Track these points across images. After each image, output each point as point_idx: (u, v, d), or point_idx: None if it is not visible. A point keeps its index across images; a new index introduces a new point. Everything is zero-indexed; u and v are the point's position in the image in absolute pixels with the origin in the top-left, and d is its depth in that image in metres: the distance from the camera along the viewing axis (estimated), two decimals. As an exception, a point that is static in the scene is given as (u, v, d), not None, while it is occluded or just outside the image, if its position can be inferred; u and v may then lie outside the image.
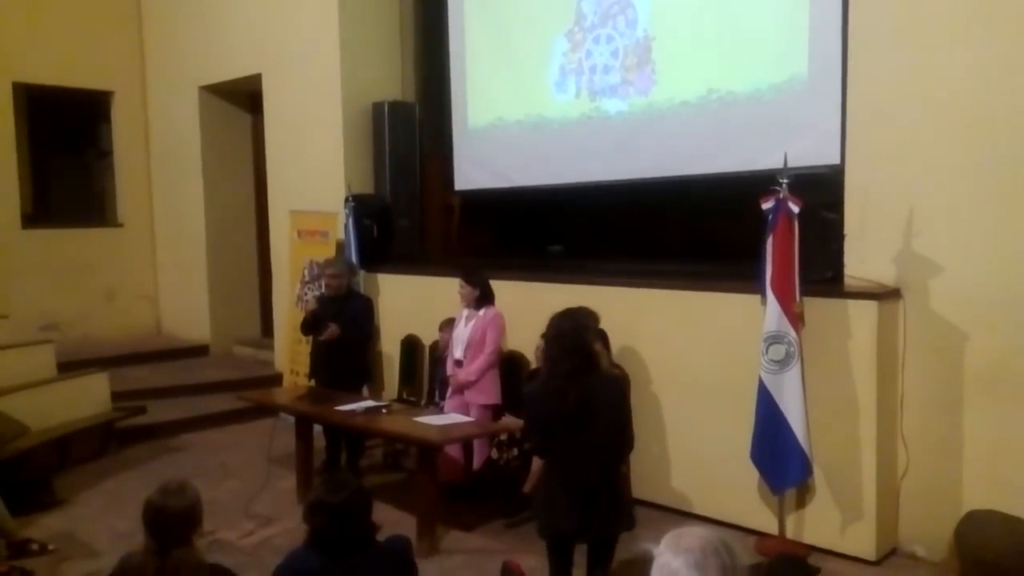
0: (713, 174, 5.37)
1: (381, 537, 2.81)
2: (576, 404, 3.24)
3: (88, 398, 6.38)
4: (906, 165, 4.32)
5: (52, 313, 8.50)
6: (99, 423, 6.33)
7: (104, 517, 5.01)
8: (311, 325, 5.75)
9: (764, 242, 4.26)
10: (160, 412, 6.88)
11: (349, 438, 5.70)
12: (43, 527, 4.91)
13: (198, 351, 8.86)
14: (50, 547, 4.59)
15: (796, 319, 4.20)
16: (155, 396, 7.16)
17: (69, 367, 6.83)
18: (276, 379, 7.55)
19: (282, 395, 6.34)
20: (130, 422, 6.59)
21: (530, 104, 6.53)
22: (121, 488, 5.50)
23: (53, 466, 5.72)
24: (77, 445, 6.09)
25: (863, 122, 4.49)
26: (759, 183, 4.32)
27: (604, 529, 3.40)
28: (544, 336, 3.52)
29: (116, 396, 6.62)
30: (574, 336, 3.35)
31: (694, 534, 1.72)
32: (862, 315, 4.24)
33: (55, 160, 9.59)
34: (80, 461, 6.06)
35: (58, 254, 8.81)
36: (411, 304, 6.68)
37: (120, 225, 9.49)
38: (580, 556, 3.50)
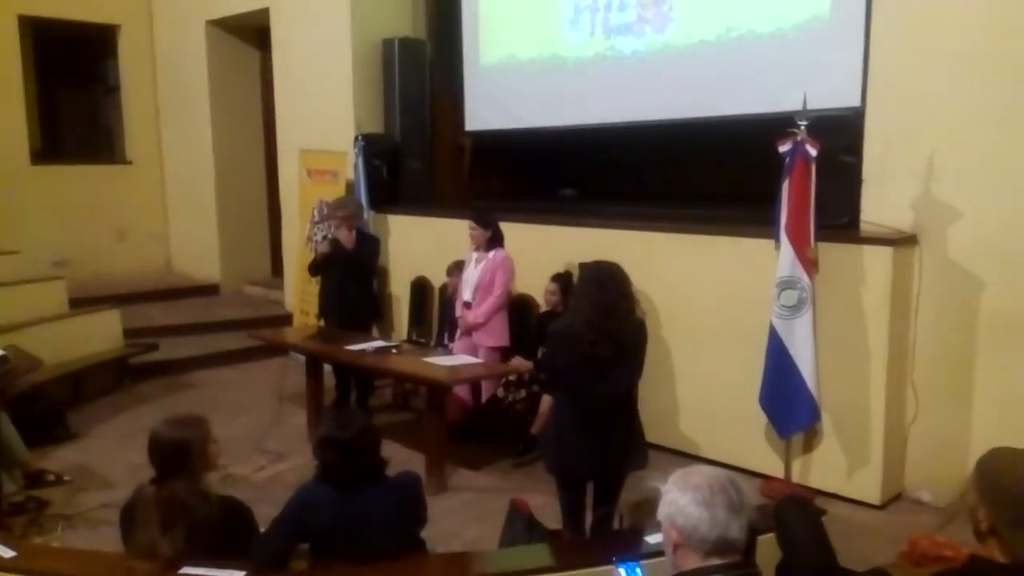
0: (730, 116, 5.26)
1: (391, 473, 2.85)
2: (611, 349, 3.24)
3: (101, 334, 6.44)
4: (928, 109, 4.22)
5: (62, 250, 8.51)
6: (112, 359, 6.41)
7: (118, 450, 5.09)
8: (319, 266, 5.75)
9: (780, 186, 4.20)
10: (172, 349, 6.95)
11: (359, 377, 5.74)
12: (58, 459, 5.00)
13: (208, 290, 8.89)
14: (65, 478, 4.69)
15: (810, 264, 4.16)
16: (167, 334, 7.23)
17: (81, 304, 6.88)
18: (286, 319, 7.59)
19: (292, 334, 6.38)
20: (143, 358, 6.67)
21: (543, 42, 6.39)
22: (135, 422, 5.58)
23: (67, 400, 5.81)
24: (91, 380, 6.17)
25: (885, 64, 4.37)
26: (777, 125, 4.23)
27: (618, 468, 3.43)
28: (577, 280, 3.50)
29: (128, 333, 6.68)
30: (617, 281, 3.35)
31: (701, 472, 1.74)
32: (877, 261, 4.19)
33: (62, 96, 9.49)
34: (94, 396, 6.15)
35: (67, 191, 8.79)
36: (421, 246, 6.66)
37: (129, 162, 9.44)
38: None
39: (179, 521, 2.61)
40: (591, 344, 3.23)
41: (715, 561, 1.64)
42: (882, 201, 4.39)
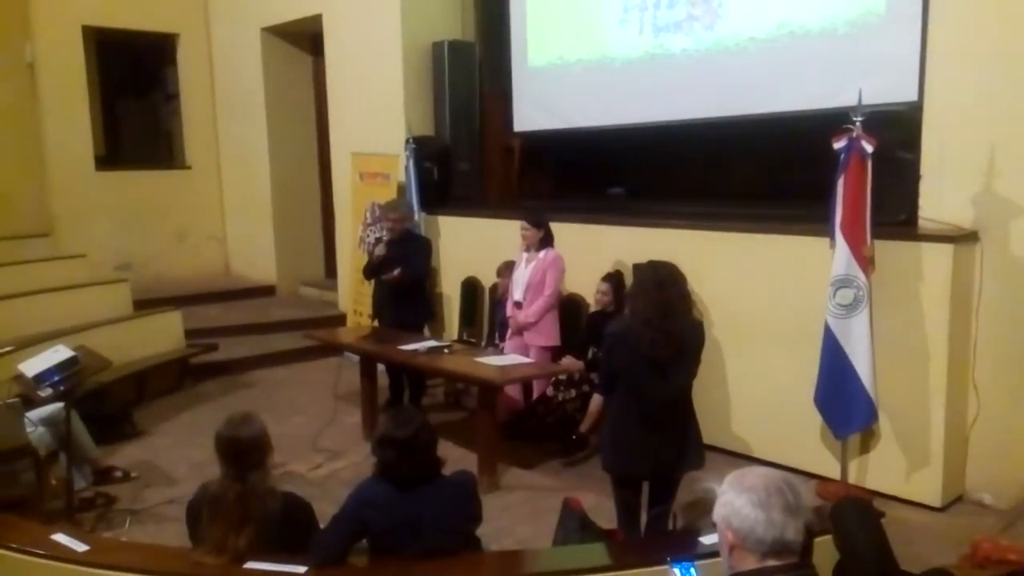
0: (782, 113, 5.20)
1: (446, 472, 2.90)
2: (670, 349, 3.25)
3: (163, 335, 6.64)
4: (987, 102, 4.12)
5: (126, 253, 8.80)
6: (174, 359, 6.61)
7: (181, 447, 5.26)
8: (375, 269, 5.84)
9: (835, 183, 4.14)
10: (231, 349, 7.13)
11: (411, 377, 5.82)
12: (125, 456, 5.18)
13: (265, 291, 9.09)
14: (132, 474, 4.86)
15: (866, 262, 4.09)
16: (226, 334, 7.41)
17: (144, 305, 7.11)
18: (340, 319, 7.72)
19: (347, 334, 6.49)
20: (203, 358, 6.85)
21: (592, 42, 6.39)
22: (197, 421, 5.75)
23: (133, 399, 6.01)
24: (154, 380, 6.37)
25: (944, 58, 4.28)
26: (831, 122, 4.17)
27: (676, 468, 3.43)
28: (634, 281, 3.52)
29: (189, 333, 6.88)
30: (675, 281, 3.36)
31: (757, 473, 1.73)
32: (936, 259, 4.11)
33: (124, 103, 9.83)
34: (157, 395, 6.35)
35: (130, 195, 9.07)
36: (471, 246, 6.72)
37: (188, 167, 9.70)
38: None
39: (251, 518, 2.70)
40: (651, 344, 3.23)
41: (772, 563, 1.64)
42: (941, 197, 4.30)
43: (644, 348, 3.24)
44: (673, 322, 3.27)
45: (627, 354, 3.32)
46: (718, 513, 1.73)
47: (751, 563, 1.65)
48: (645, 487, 3.52)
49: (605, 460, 3.55)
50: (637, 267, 3.65)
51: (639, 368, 3.29)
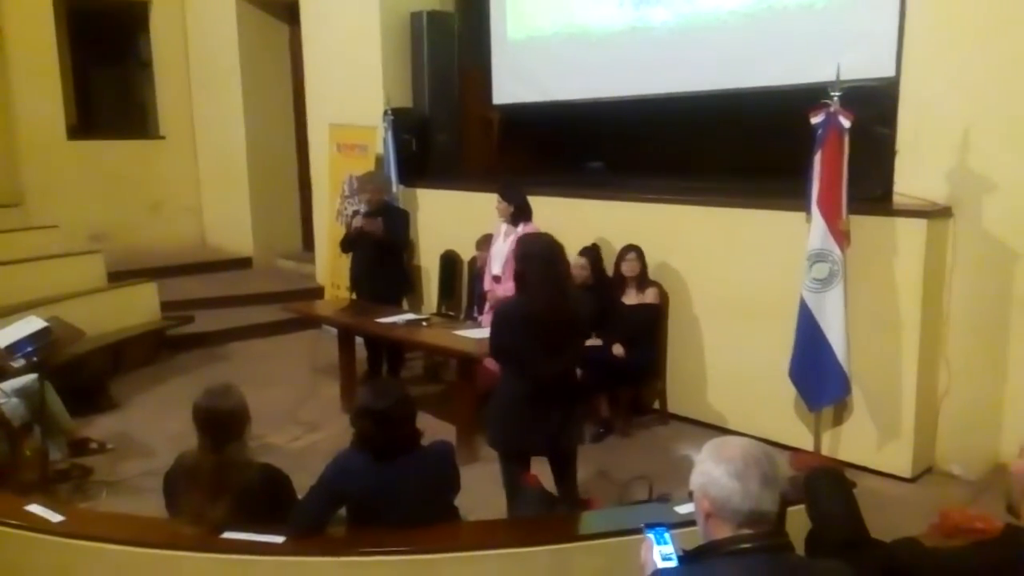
0: (760, 87, 5.20)
1: (426, 443, 2.91)
2: (565, 326, 3.25)
3: (139, 307, 6.58)
4: (964, 79, 4.15)
5: (99, 224, 8.66)
6: (150, 331, 6.55)
7: (158, 419, 5.22)
8: (351, 242, 5.80)
9: (812, 158, 4.16)
10: (208, 322, 7.08)
11: (390, 350, 5.82)
12: (101, 427, 5.15)
13: (242, 263, 9.01)
14: (108, 446, 4.84)
15: (842, 237, 4.13)
16: (202, 306, 7.35)
17: (118, 277, 7.02)
18: (318, 292, 7.69)
19: (325, 307, 6.47)
20: (179, 330, 6.81)
21: (571, 15, 6.34)
22: (173, 393, 5.71)
23: (108, 371, 5.96)
24: (130, 352, 6.32)
25: (921, 34, 4.29)
26: (809, 96, 4.18)
27: (564, 443, 3.46)
28: (520, 258, 3.44)
29: (165, 306, 6.82)
30: (562, 256, 3.36)
31: (735, 444, 1.74)
32: (910, 233, 4.16)
33: (97, 71, 9.61)
34: (133, 367, 6.30)
35: (103, 165, 8.92)
36: (450, 219, 6.70)
37: (162, 137, 9.55)
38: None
39: (228, 488, 2.70)
40: (545, 322, 3.23)
41: (746, 531, 1.67)
42: (916, 173, 4.34)
43: (538, 326, 3.24)
44: (563, 297, 3.27)
45: (517, 332, 3.31)
46: (695, 481, 1.74)
47: (726, 532, 1.68)
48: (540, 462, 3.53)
49: (491, 437, 3.57)
50: (520, 241, 3.60)
51: (529, 346, 3.29)
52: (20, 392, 4.33)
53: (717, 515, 1.69)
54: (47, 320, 4.27)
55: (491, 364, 5.34)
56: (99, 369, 5.78)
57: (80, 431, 4.85)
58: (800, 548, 2.37)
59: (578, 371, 4.12)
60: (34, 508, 2.97)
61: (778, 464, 1.73)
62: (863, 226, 4.25)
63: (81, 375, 5.38)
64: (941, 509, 3.00)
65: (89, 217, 8.58)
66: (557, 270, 3.29)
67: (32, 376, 4.25)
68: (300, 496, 2.87)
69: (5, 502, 3.14)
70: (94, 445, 4.80)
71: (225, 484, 2.71)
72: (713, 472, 1.69)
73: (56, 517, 2.92)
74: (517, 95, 6.87)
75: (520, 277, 3.39)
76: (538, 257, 3.33)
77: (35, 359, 4.05)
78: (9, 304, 5.50)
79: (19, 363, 4.08)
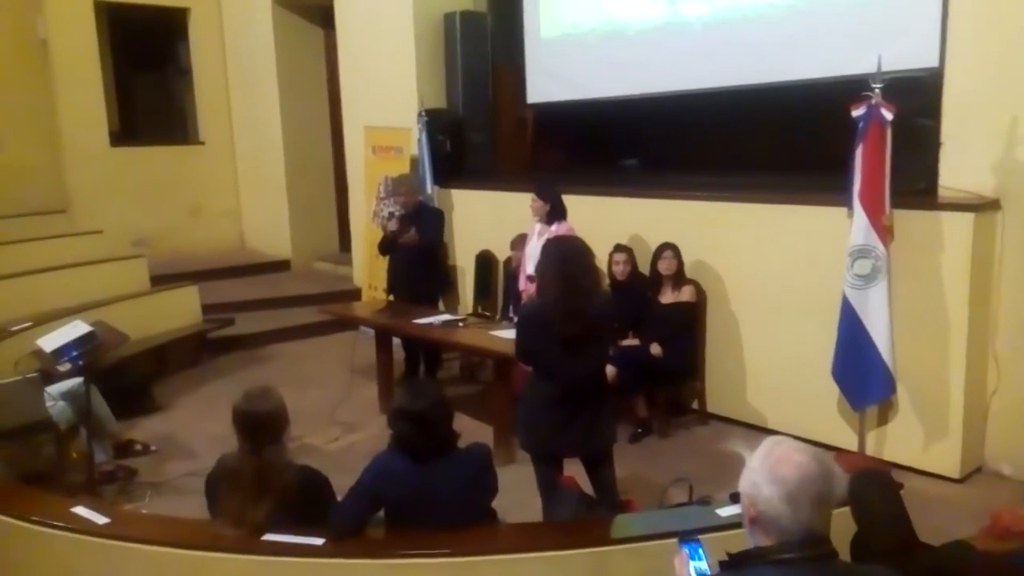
0: (800, 80, 5.10)
1: (462, 445, 2.90)
2: (580, 326, 3.22)
3: (181, 310, 6.68)
4: (1010, 68, 4.03)
5: (141, 229, 8.83)
6: (192, 334, 6.65)
7: (200, 421, 5.31)
8: (389, 245, 5.82)
9: (853, 152, 4.08)
10: (247, 324, 7.17)
11: (427, 351, 5.84)
12: (145, 429, 5.24)
13: (280, 266, 9.12)
14: (152, 447, 4.93)
15: (885, 232, 4.04)
16: (242, 309, 7.45)
17: (160, 280, 7.14)
18: (355, 293, 7.74)
19: (362, 309, 6.51)
20: (220, 333, 6.90)
21: (605, 11, 6.29)
22: (215, 394, 5.80)
23: (151, 374, 6.06)
24: (173, 354, 6.43)
25: (965, 23, 4.18)
26: (849, 89, 4.10)
27: (594, 445, 3.43)
28: (539, 260, 3.46)
29: (205, 308, 6.91)
30: (580, 256, 3.32)
31: (792, 462, 1.60)
32: (956, 228, 4.05)
33: (138, 79, 9.81)
34: (176, 369, 6.41)
35: (145, 171, 9.08)
36: (485, 219, 6.69)
37: (202, 142, 9.70)
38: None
39: (268, 491, 2.72)
40: (559, 323, 3.20)
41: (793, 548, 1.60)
42: (962, 165, 4.22)
43: (553, 327, 3.21)
44: (579, 298, 3.22)
45: (538, 335, 3.30)
46: (744, 487, 1.66)
47: (772, 540, 1.62)
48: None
49: (522, 439, 3.56)
50: (544, 246, 3.60)
51: (550, 348, 3.27)
52: (66, 395, 4.43)
53: (763, 527, 1.63)
54: (92, 324, 4.35)
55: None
56: (143, 372, 5.88)
57: (125, 433, 4.94)
58: (844, 551, 2.32)
59: (612, 371, 4.11)
60: (80, 510, 3.02)
61: (835, 480, 1.62)
62: (907, 221, 4.15)
63: (125, 378, 5.47)
64: (992, 511, 2.91)
65: (132, 222, 8.74)
66: (572, 270, 3.25)
67: (78, 380, 4.34)
68: (339, 497, 2.89)
69: (52, 504, 3.20)
70: (138, 447, 4.89)
71: (265, 487, 2.73)
72: (764, 491, 1.60)
73: (101, 519, 2.97)
74: (551, 93, 6.85)
75: (537, 279, 3.40)
76: (553, 258, 3.32)
77: (81, 363, 4.13)
78: (56, 309, 5.63)
79: (65, 367, 4.16)
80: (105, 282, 6.49)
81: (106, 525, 2.94)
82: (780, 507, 1.58)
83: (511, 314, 5.88)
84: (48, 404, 4.30)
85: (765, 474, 1.61)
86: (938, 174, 4.30)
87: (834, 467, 1.64)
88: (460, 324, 5.30)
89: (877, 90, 3.97)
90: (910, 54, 4.40)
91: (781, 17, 5.21)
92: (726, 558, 1.68)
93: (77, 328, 4.25)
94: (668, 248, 5.05)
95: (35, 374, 4.21)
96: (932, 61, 4.36)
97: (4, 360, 4.72)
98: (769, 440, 1.68)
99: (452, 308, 6.66)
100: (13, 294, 5.94)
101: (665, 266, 5.04)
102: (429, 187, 6.70)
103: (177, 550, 2.81)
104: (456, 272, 6.99)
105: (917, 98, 4.28)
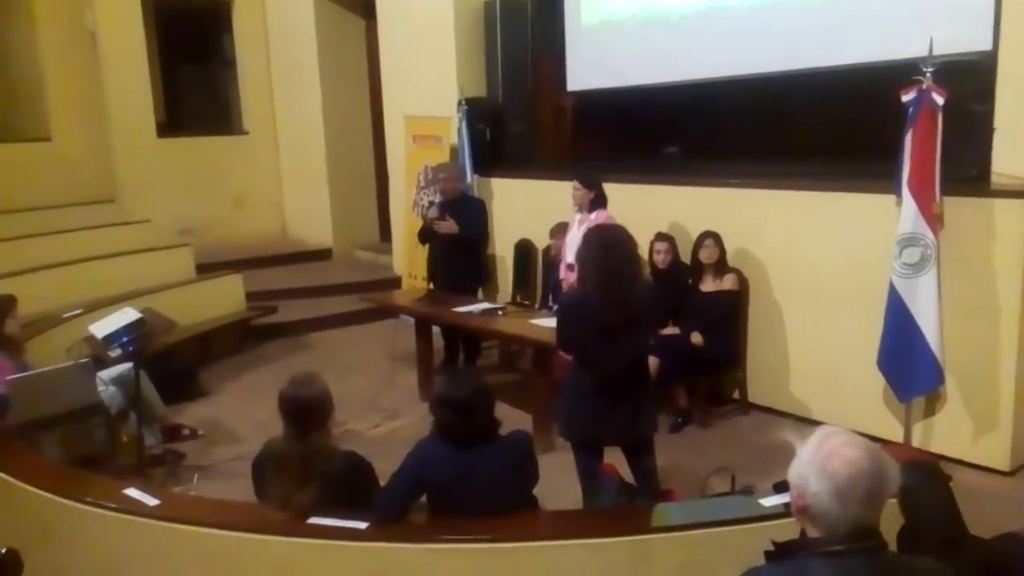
0: (846, 65, 4.99)
1: (502, 433, 2.92)
2: (619, 315, 3.19)
3: (226, 298, 6.81)
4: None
5: (187, 218, 9.00)
6: (236, 321, 6.78)
7: (245, 406, 5.41)
8: (429, 234, 5.85)
9: (903, 138, 3.99)
10: (290, 312, 7.27)
11: (466, 339, 5.86)
12: (192, 414, 5.36)
13: (322, 255, 9.23)
14: (199, 432, 5.03)
15: (934, 220, 3.95)
16: (285, 297, 7.56)
17: (206, 269, 7.29)
18: (395, 282, 7.80)
19: (402, 297, 6.56)
20: (264, 320, 7.02)
21: (646, -3, 6.23)
22: (259, 380, 5.90)
23: (198, 360, 6.19)
24: (218, 341, 6.56)
25: (1020, 3, 4.05)
26: (899, 73, 4.01)
27: (635, 434, 3.42)
28: (579, 248, 3.46)
29: (250, 296, 7.04)
30: (621, 245, 3.30)
31: (844, 458, 1.56)
32: (1009, 215, 3.94)
33: (183, 71, 9.99)
34: (221, 356, 6.54)
35: (190, 161, 9.25)
36: (524, 208, 6.69)
37: (246, 133, 9.84)
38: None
39: (313, 475, 2.77)
40: (599, 311, 3.18)
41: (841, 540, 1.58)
42: (1016, 151, 4.10)
43: (593, 315, 3.19)
44: (620, 286, 3.20)
45: (578, 323, 3.28)
46: (792, 476, 1.63)
47: (819, 531, 1.59)
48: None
49: (561, 426, 3.56)
50: (585, 235, 3.59)
51: (590, 336, 3.25)
52: (117, 380, 4.55)
53: (811, 519, 1.60)
54: (142, 311, 4.45)
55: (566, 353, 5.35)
56: (190, 358, 6.01)
57: (173, 418, 5.06)
58: (892, 543, 2.28)
59: (654, 362, 4.08)
60: (131, 492, 3.09)
61: (888, 476, 1.58)
62: (958, 208, 4.05)
63: (173, 364, 5.60)
64: (1044, 505, 2.85)
65: (178, 212, 8.91)
66: (613, 259, 3.23)
67: (128, 365, 4.46)
68: (382, 483, 2.92)
69: (104, 486, 3.28)
70: (186, 431, 5.00)
71: (310, 471, 2.78)
72: (813, 486, 1.57)
73: (152, 501, 3.04)
74: (591, 81, 6.80)
75: (578, 267, 3.40)
76: (595, 246, 3.31)
77: (130, 349, 4.23)
78: (106, 296, 5.78)
79: (116, 352, 4.27)
80: (153, 270, 6.65)
81: (156, 507, 3.00)
82: (829, 502, 1.55)
83: (551, 303, 5.87)
84: (100, 389, 4.42)
85: (815, 468, 1.57)
86: (991, 160, 4.19)
87: (887, 462, 1.59)
88: (499, 312, 5.32)
89: (928, 74, 3.88)
90: (962, 37, 4.28)
91: (827, 1, 5.10)
92: (771, 548, 1.66)
93: (127, 315, 4.35)
94: (709, 236, 5.00)
95: (87, 359, 4.31)
96: (985, 44, 4.23)
97: (57, 346, 4.86)
98: (821, 431, 1.64)
99: (491, 296, 6.67)
100: (65, 282, 6.11)
101: (706, 255, 4.99)
102: (469, 176, 6.71)
103: (225, 532, 2.87)
104: (495, 261, 7.00)
105: (969, 82, 4.16)
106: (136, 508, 3.00)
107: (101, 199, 8.88)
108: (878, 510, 1.59)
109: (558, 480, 3.61)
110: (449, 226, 5.63)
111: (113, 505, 3.02)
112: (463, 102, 6.82)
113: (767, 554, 1.66)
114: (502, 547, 2.75)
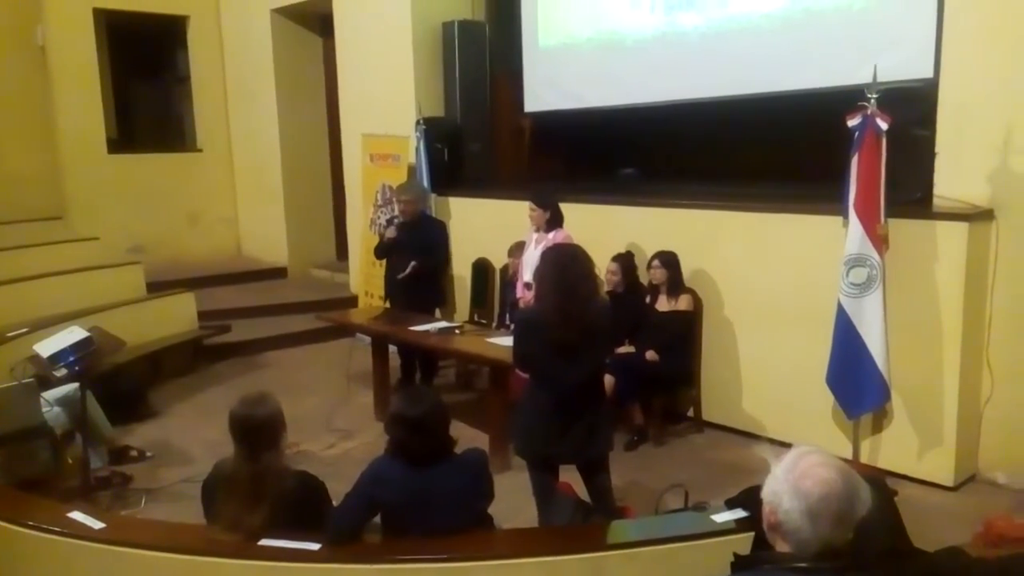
0: (795, 91, 5.14)
1: (459, 451, 2.91)
2: (576, 333, 3.22)
3: (177, 317, 6.69)
4: (1004, 79, 4.07)
5: (138, 235, 8.83)
6: (188, 340, 6.65)
7: (196, 427, 5.30)
8: (386, 250, 5.84)
9: (849, 161, 4.10)
10: (244, 331, 7.16)
11: (423, 358, 5.84)
12: (140, 435, 5.23)
13: (277, 273, 9.12)
14: (148, 453, 4.92)
15: (880, 241, 4.06)
16: (238, 316, 7.43)
17: (157, 287, 7.15)
18: (352, 301, 7.74)
19: (359, 316, 6.51)
20: (216, 340, 6.90)
21: (602, 21, 6.33)
22: (211, 401, 5.79)
23: (147, 380, 6.06)
24: (168, 361, 6.43)
25: (960, 34, 4.22)
26: (845, 99, 4.13)
27: (590, 452, 3.43)
28: (537, 267, 3.49)
29: (202, 315, 6.91)
30: (577, 263, 3.33)
31: (817, 479, 1.57)
32: (951, 237, 4.07)
33: (136, 86, 9.84)
34: (172, 376, 6.40)
35: (142, 178, 9.08)
36: (482, 227, 6.71)
37: (199, 150, 9.71)
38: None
39: (264, 496, 2.72)
40: (556, 328, 3.21)
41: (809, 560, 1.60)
42: (957, 175, 4.25)
43: (550, 333, 3.22)
44: (576, 304, 3.23)
45: (535, 340, 3.31)
46: (766, 493, 1.64)
47: (788, 548, 1.61)
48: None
49: (517, 445, 3.58)
50: (543, 253, 3.61)
51: (547, 354, 3.28)
52: (62, 401, 4.43)
53: (782, 535, 1.61)
54: (89, 330, 4.34)
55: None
56: (138, 378, 5.88)
57: (120, 439, 4.94)
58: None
59: (610, 380, 4.11)
60: (76, 515, 3.02)
61: (860, 498, 1.59)
62: (902, 230, 4.17)
63: (121, 384, 5.47)
64: (985, 518, 2.92)
65: (129, 229, 8.75)
66: (570, 277, 3.26)
67: (74, 385, 4.34)
68: (335, 503, 2.89)
69: (48, 509, 3.20)
70: (134, 453, 4.88)
71: (262, 492, 2.73)
72: (785, 503, 1.58)
73: (97, 524, 2.96)
74: (549, 102, 6.88)
75: (535, 285, 3.42)
76: (551, 264, 3.34)
77: (77, 369, 4.12)
78: (52, 315, 5.62)
79: (61, 372, 4.16)
80: (102, 288, 6.49)
81: (102, 530, 2.93)
82: (799, 521, 1.56)
83: (507, 322, 5.89)
84: (44, 409, 4.30)
85: (788, 486, 1.58)
86: (933, 184, 4.33)
87: (860, 484, 1.60)
88: (456, 331, 5.31)
89: (873, 100, 4.00)
90: (905, 64, 4.44)
91: (777, 28, 5.26)
92: (733, 559, 1.68)
93: (73, 334, 4.24)
94: (656, 258, 5.08)
95: (31, 379, 4.20)
96: (927, 71, 4.40)
97: (0, 365, 4.71)
98: (796, 450, 1.65)
99: (449, 315, 6.66)
100: (10, 300, 5.94)
101: (655, 276, 5.07)
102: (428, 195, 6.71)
103: (173, 555, 2.81)
104: (453, 280, 7.00)
105: (912, 108, 4.31)
106: (81, 532, 2.92)
107: (49, 216, 8.66)
108: (848, 531, 1.59)
109: (514, 499, 3.61)
110: (412, 268, 5.64)
111: (57, 529, 2.94)
112: (421, 121, 6.84)
113: (732, 565, 1.68)
114: (457, 567, 2.73)
